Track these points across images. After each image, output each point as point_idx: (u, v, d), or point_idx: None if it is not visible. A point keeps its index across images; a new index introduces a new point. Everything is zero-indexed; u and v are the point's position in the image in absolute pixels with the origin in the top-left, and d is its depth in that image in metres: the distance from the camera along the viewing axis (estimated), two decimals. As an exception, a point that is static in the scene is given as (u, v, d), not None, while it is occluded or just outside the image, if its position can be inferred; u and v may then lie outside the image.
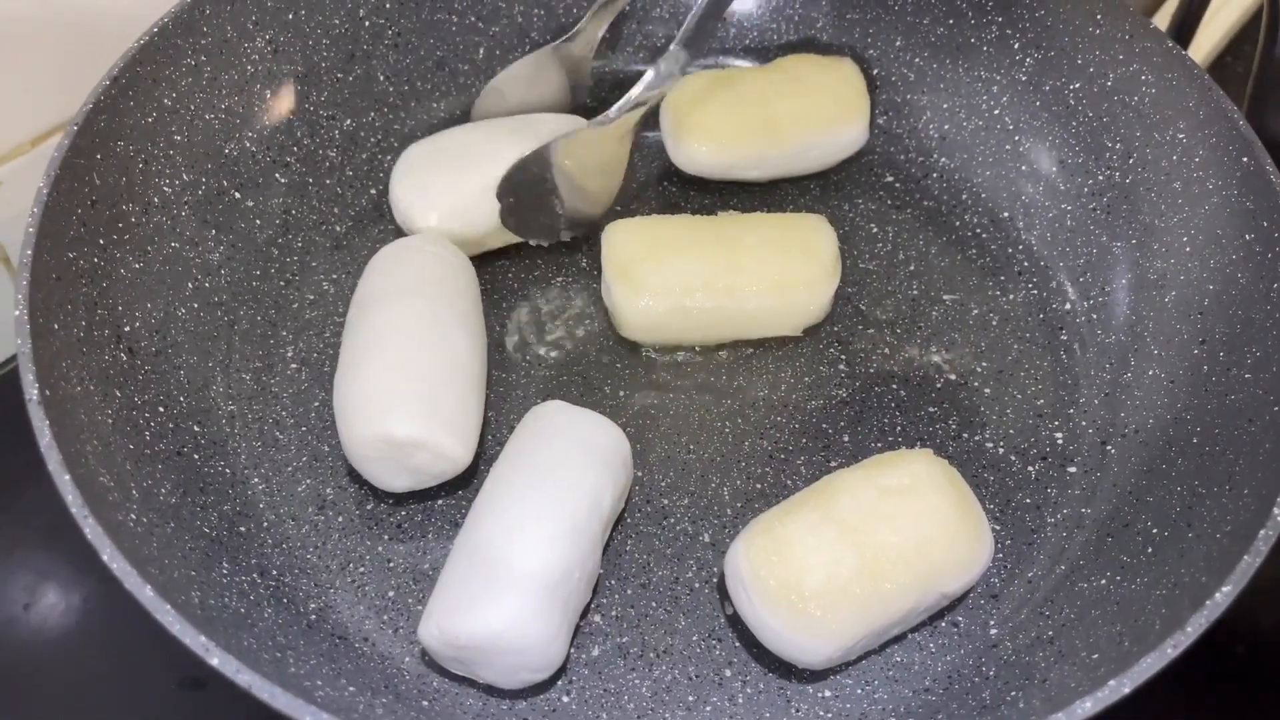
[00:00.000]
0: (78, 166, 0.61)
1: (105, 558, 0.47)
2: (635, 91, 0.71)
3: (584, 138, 0.70)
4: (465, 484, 0.65)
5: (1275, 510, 0.51)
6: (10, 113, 0.71)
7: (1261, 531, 0.50)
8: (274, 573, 0.60)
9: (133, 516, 0.53)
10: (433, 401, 0.60)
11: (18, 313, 0.54)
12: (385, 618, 0.60)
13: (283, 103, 0.75)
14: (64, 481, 0.49)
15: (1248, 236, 0.64)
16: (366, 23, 0.78)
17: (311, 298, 0.72)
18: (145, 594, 0.46)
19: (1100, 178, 0.74)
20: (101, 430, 0.56)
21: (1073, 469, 0.66)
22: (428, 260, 0.67)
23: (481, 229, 0.71)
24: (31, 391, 0.51)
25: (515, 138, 0.72)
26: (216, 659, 0.44)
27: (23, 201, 0.58)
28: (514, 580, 0.54)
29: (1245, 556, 0.49)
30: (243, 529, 0.61)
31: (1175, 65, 0.69)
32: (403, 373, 0.61)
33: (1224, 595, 0.48)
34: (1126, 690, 0.45)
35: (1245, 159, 0.64)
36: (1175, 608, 0.50)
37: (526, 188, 0.69)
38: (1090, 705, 0.44)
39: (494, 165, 0.69)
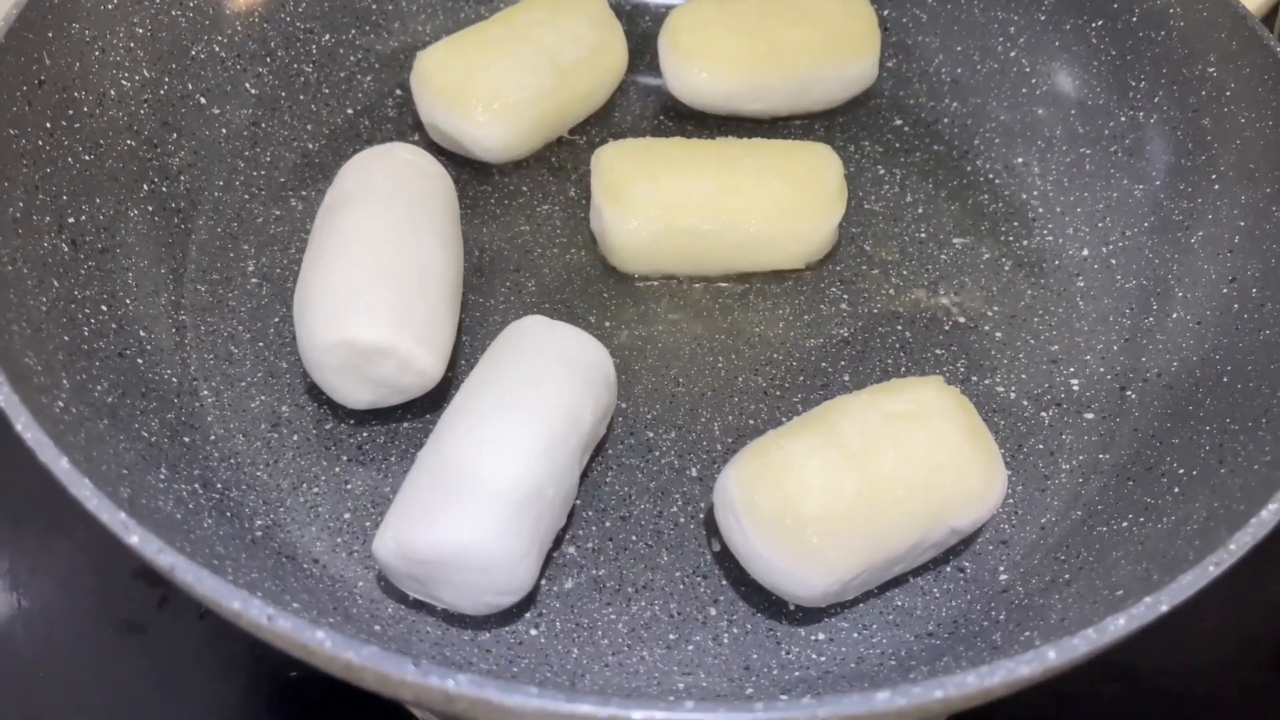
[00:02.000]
0: (25, 40, 0.56)
1: (19, 427, 0.42)
2: None
3: None
4: (433, 406, 0.59)
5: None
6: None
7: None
8: (219, 486, 0.55)
9: (60, 404, 0.48)
10: (402, 308, 0.55)
11: (-55, 176, 0.49)
12: (339, 540, 0.55)
13: (257, 9, 0.70)
14: (-21, 347, 0.44)
15: (1283, 168, 0.60)
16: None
17: (278, 213, 0.67)
18: (61, 466, 0.41)
19: (1123, 119, 0.69)
20: (33, 315, 0.51)
21: (1089, 415, 0.61)
22: (404, 167, 0.62)
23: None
24: (-47, 256, 0.47)
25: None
26: (136, 537, 0.39)
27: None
28: (481, 492, 0.49)
29: (1294, 475, 0.44)
30: (186, 439, 0.56)
31: (1206, -4, 0.65)
32: (371, 276, 0.56)
33: (1271, 513, 0.43)
34: (1164, 608, 0.40)
35: (1282, 88, 0.60)
36: (1211, 537, 0.45)
37: None
38: (1124, 622, 0.39)
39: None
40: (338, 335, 0.54)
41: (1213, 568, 0.41)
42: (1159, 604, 0.40)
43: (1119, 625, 0.39)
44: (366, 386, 0.56)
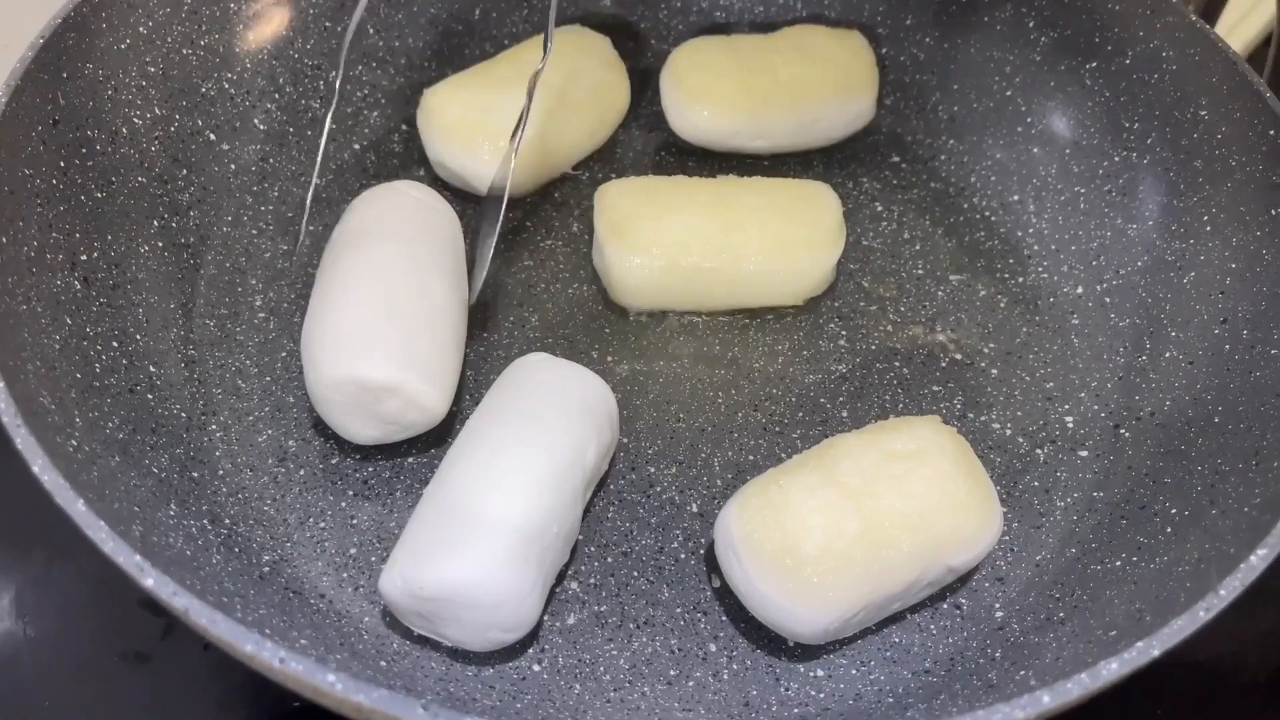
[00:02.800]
0: (41, 81, 0.57)
1: (36, 469, 0.42)
2: None
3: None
4: (438, 442, 0.60)
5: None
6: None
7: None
8: (226, 521, 0.55)
9: (73, 442, 0.49)
10: (409, 345, 0.56)
11: (-38, 217, 0.50)
12: (345, 575, 0.56)
13: (266, 47, 0.71)
14: (-2, 389, 0.44)
15: (1273, 212, 0.61)
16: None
17: (285, 248, 0.68)
18: (77, 508, 0.41)
19: (1117, 159, 0.71)
20: (47, 353, 0.52)
21: (1084, 453, 0.62)
22: (411, 205, 0.63)
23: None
24: (-30, 297, 0.47)
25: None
26: (151, 580, 0.40)
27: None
28: (487, 529, 0.50)
29: (1282, 521, 0.45)
30: (195, 474, 0.56)
31: (1198, 40, 0.66)
32: (378, 314, 0.57)
33: (1260, 559, 0.44)
34: (1155, 652, 0.41)
35: (1272, 132, 0.61)
36: (1202, 579, 0.46)
37: None
38: (1117, 666, 0.40)
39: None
40: (345, 373, 0.55)
41: (1203, 613, 0.42)
42: (1150, 649, 0.41)
43: (1112, 670, 0.40)
44: (373, 423, 0.57)
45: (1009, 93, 0.76)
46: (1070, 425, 0.64)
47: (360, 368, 0.55)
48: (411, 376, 0.55)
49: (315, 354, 0.56)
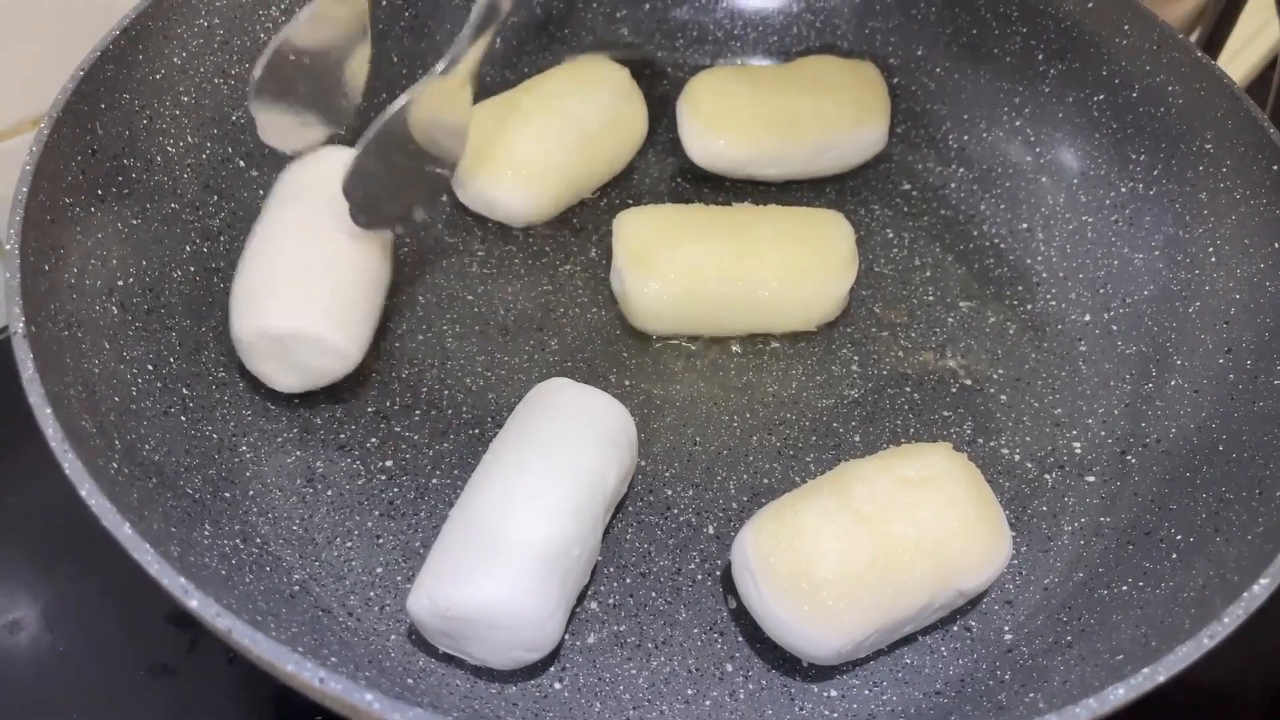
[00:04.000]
0: (81, 112, 0.59)
1: (84, 493, 0.44)
2: (466, 31, 0.63)
3: (431, 91, 0.63)
4: (462, 463, 0.62)
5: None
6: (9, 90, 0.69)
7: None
8: (258, 540, 0.57)
9: (114, 465, 0.50)
10: (308, 293, 0.60)
11: (9, 247, 0.51)
12: (372, 594, 0.57)
13: (294, 75, 0.73)
14: (45, 415, 0.46)
15: (1277, 245, 0.62)
16: (384, 3, 0.76)
17: (312, 272, 0.70)
18: (124, 532, 0.43)
19: (1123, 190, 0.72)
20: (87, 378, 0.54)
21: (1091, 478, 0.64)
22: (333, 169, 0.63)
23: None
24: (18, 325, 0.49)
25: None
26: (195, 601, 0.41)
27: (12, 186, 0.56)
28: (511, 551, 0.51)
29: (1284, 552, 0.47)
30: (228, 494, 0.58)
31: (1203, 75, 0.68)
32: (282, 269, 0.61)
33: (1262, 588, 0.45)
34: (1161, 679, 0.42)
35: (1275, 167, 0.63)
36: (1206, 607, 0.48)
37: (374, 175, 0.62)
38: (1124, 692, 0.41)
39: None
40: (254, 325, 0.59)
41: (1207, 640, 0.43)
42: (1156, 675, 0.42)
43: (1119, 695, 0.41)
44: (292, 371, 0.61)
45: (1018, 123, 0.78)
46: (1078, 451, 0.65)
47: (265, 319, 0.59)
48: (316, 322, 0.60)
49: (231, 313, 0.61)
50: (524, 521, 0.52)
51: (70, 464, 0.45)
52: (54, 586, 0.66)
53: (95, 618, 0.65)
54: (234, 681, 0.62)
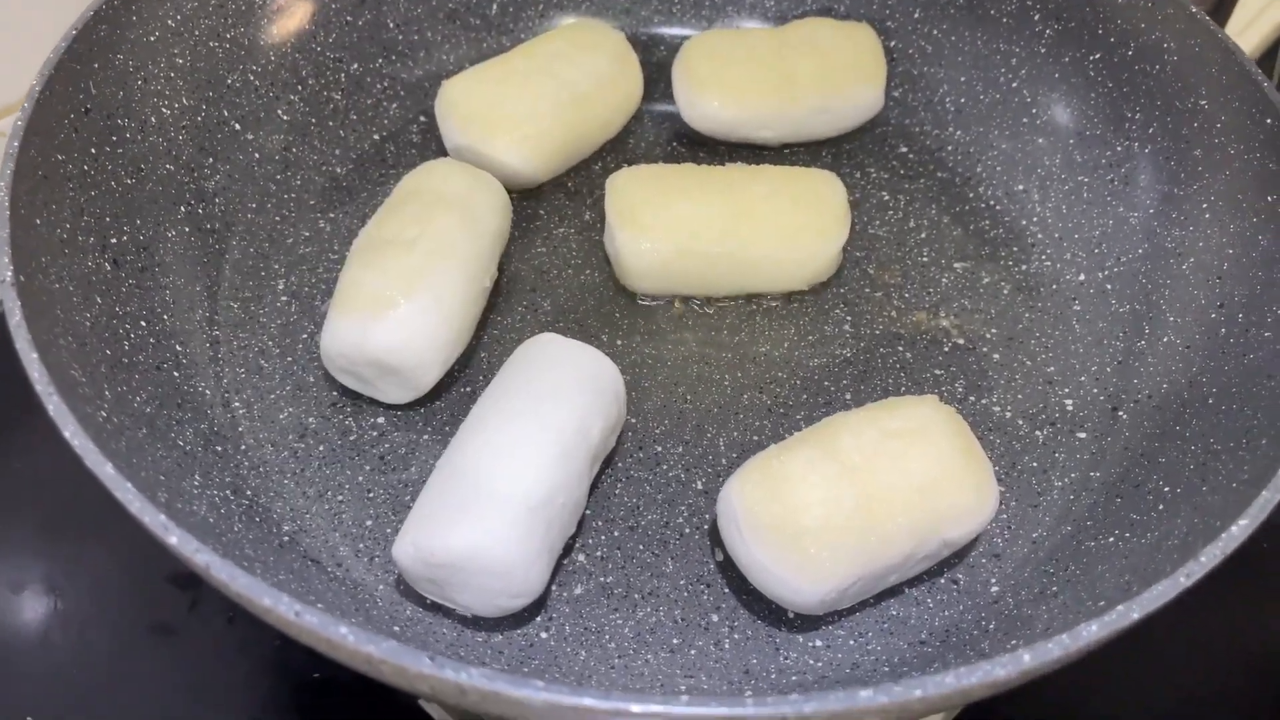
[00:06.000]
0: (73, 71, 0.59)
1: (67, 434, 0.45)
2: None
3: None
4: (451, 419, 0.63)
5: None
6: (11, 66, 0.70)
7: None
8: (248, 493, 0.58)
9: (103, 414, 0.51)
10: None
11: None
12: (361, 546, 0.58)
13: (289, 40, 0.74)
14: (30, 359, 0.47)
15: (1270, 198, 0.62)
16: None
17: (307, 234, 0.70)
18: (105, 471, 0.44)
19: (1119, 148, 0.72)
20: (78, 330, 0.54)
21: (1082, 434, 0.64)
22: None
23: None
24: (5, 274, 0.50)
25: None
26: (175, 537, 0.42)
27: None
28: (495, 499, 0.52)
29: (1264, 492, 0.46)
30: (219, 448, 0.59)
31: (1198, 32, 0.68)
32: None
33: (1240, 529, 0.45)
34: (1135, 616, 0.42)
35: (1269, 121, 0.62)
36: (1189, 552, 0.48)
37: None
38: (1096, 629, 0.41)
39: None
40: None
41: (1184, 579, 0.43)
42: (1130, 612, 0.42)
43: (1091, 631, 0.41)
44: (364, 386, 0.62)
45: (1014, 84, 0.77)
46: (1069, 408, 0.65)
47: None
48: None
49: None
50: (507, 470, 0.52)
51: (55, 406, 0.45)
52: (57, 548, 0.67)
53: (97, 580, 0.66)
54: (234, 641, 0.63)
